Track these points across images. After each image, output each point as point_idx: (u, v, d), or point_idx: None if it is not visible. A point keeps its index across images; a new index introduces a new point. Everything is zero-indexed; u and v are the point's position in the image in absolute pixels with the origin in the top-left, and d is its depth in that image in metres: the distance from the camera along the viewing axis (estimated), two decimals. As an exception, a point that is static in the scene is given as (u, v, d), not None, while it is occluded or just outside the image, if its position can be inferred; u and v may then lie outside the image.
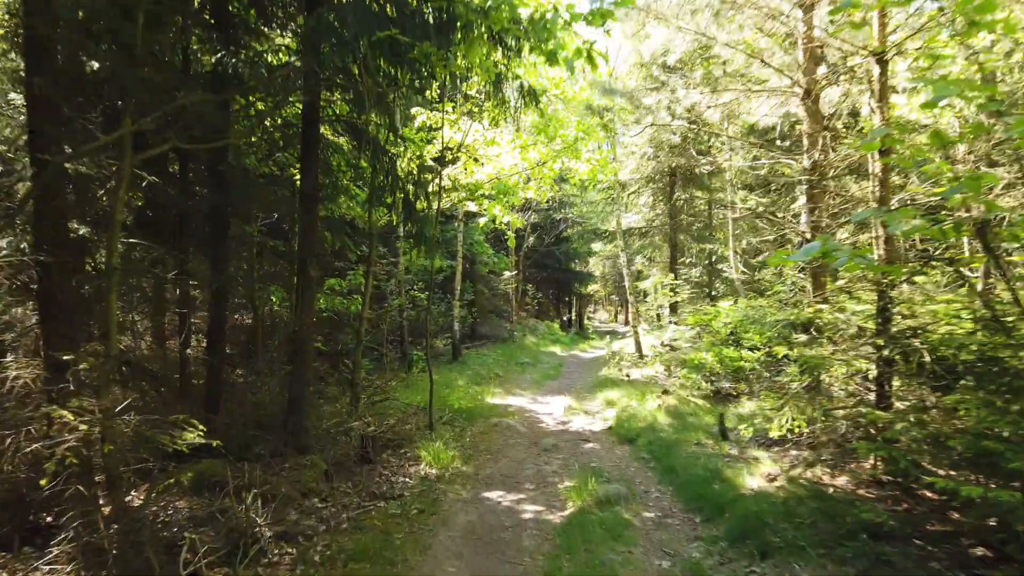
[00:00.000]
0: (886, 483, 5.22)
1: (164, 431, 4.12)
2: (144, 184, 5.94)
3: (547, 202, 29.58)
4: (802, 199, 9.84)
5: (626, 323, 57.43)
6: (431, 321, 15.77)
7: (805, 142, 7.68)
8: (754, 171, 12.68)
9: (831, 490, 5.18)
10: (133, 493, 5.13)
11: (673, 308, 16.41)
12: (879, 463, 5.40)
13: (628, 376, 12.66)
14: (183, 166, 7.09)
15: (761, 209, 16.42)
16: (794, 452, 6.37)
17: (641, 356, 14.10)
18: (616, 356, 13.87)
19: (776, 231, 12.62)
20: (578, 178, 11.00)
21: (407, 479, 6.65)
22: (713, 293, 16.82)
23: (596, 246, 40.05)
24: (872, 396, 5.72)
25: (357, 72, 5.78)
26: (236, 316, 12.65)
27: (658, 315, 25.63)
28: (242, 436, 6.31)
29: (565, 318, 35.15)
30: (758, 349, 9.59)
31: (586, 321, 43.55)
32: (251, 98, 6.10)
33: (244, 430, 6.38)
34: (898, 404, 5.54)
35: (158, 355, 8.12)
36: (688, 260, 17.44)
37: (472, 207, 11.54)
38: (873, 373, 5.39)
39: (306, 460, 6.05)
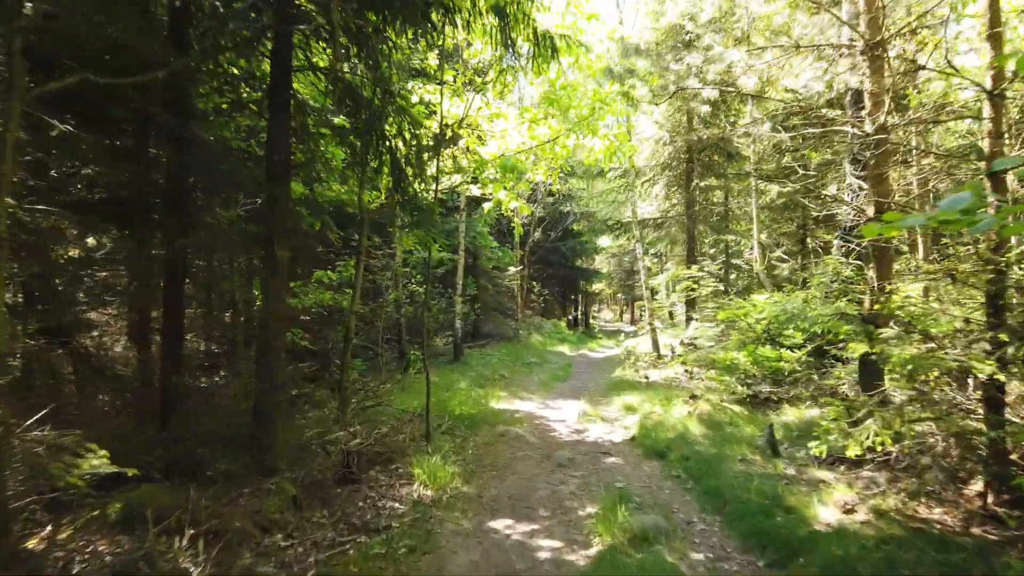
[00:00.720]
0: (1003, 518, 4.08)
1: (56, 457, 3.02)
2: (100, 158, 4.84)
3: (553, 195, 28.47)
4: (849, 177, 8.69)
5: (632, 322, 56.15)
6: (429, 318, 14.63)
7: (867, 103, 6.53)
8: (791, 149, 11.53)
9: (936, 528, 4.04)
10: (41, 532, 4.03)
11: (690, 304, 15.26)
12: (990, 492, 4.26)
13: (647, 378, 11.53)
14: (140, 133, 5.98)
15: (793, 190, 15.27)
16: (868, 473, 5.22)
17: (659, 356, 12.96)
18: (631, 356, 12.74)
19: (822, 209, 11.48)
20: (593, 157, 9.87)
21: (397, 504, 5.53)
22: (730, 287, 15.67)
23: (603, 241, 38.97)
24: (972, 404, 4.58)
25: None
26: (227, 312, 11.59)
27: (671, 313, 24.47)
28: (197, 454, 5.21)
29: (571, 316, 34.01)
30: (799, 347, 8.45)
31: (591, 320, 42.41)
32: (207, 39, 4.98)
33: (198, 447, 5.27)
34: (1011, 416, 4.40)
35: (140, 358, 7.00)
36: (710, 252, 16.29)
37: (475, 191, 10.41)
38: (983, 375, 4.24)
39: (271, 483, 4.93)
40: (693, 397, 8.80)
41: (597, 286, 44.62)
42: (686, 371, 11.77)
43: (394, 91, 5.24)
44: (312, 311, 12.34)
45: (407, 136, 5.76)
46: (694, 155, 15.12)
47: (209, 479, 4.81)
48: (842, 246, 9.42)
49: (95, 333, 7.52)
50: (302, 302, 11.16)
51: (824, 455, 4.90)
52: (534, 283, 27.02)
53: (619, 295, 57.30)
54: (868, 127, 6.50)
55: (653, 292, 30.78)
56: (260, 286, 5.45)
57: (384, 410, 9.14)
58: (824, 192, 13.34)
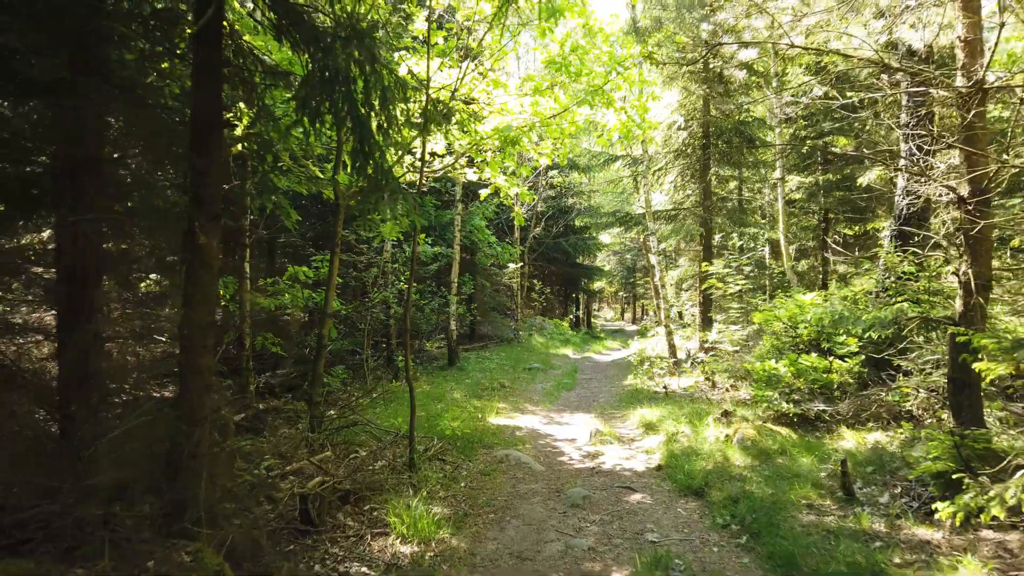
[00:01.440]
0: None
1: None
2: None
3: (555, 188, 27.15)
4: (906, 154, 7.38)
5: (633, 321, 54.85)
6: (421, 319, 13.31)
7: (959, 56, 5.21)
8: (813, 136, 10.28)
9: None
10: None
11: (706, 303, 13.95)
12: None
13: (665, 388, 10.21)
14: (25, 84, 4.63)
15: (813, 181, 13.95)
16: (992, 535, 3.91)
17: (677, 362, 11.66)
18: (644, 361, 11.44)
19: (852, 200, 10.21)
20: (605, 137, 8.58)
21: (366, 568, 4.23)
22: (753, 286, 14.38)
23: (605, 238, 37.63)
24: None
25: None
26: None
27: (679, 313, 23.14)
28: (97, 514, 3.90)
29: (573, 316, 32.70)
30: (852, 356, 7.14)
31: (593, 320, 41.12)
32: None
33: (103, 502, 3.95)
34: None
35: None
36: (727, 247, 14.99)
37: (471, 175, 9.09)
38: None
39: (187, 553, 3.62)
40: (726, 414, 7.49)
41: (598, 284, 43.33)
42: (706, 379, 10.47)
43: (360, 27, 3.92)
44: (287, 312, 11.05)
45: (377, 98, 4.44)
46: (711, 141, 13.81)
47: (98, 550, 3.51)
48: (897, 237, 8.12)
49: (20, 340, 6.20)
50: (277, 302, 9.87)
51: (961, 521, 3.58)
52: (535, 281, 25.72)
53: (620, 293, 56.07)
54: (960, 81, 5.17)
55: (656, 290, 29.54)
56: (180, 285, 4.12)
57: (363, 429, 7.84)
58: (859, 179, 12.02)
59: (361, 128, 3.68)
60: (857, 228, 18.11)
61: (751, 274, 13.61)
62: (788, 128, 13.24)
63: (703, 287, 11.69)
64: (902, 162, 8.06)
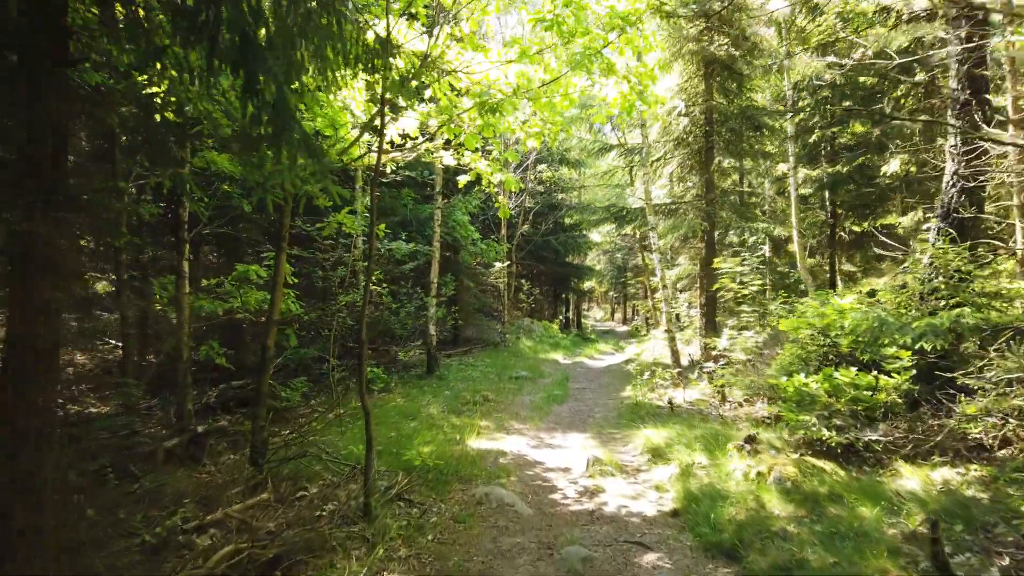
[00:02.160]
0: None
1: None
2: None
3: (544, 183, 25.93)
4: (954, 135, 6.21)
5: (624, 322, 53.76)
6: (395, 323, 12.01)
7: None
8: (826, 125, 9.15)
9: None
10: None
11: (710, 304, 12.77)
12: None
13: (670, 403, 8.99)
14: None
15: (823, 172, 12.81)
16: None
17: (681, 372, 10.45)
18: (644, 370, 10.21)
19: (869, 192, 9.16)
20: (605, 112, 7.35)
21: None
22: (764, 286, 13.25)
23: (596, 237, 36.47)
24: None
25: None
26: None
27: (676, 316, 22.01)
28: None
29: (563, 317, 31.50)
30: (901, 371, 5.96)
31: (583, 320, 39.97)
32: None
33: None
34: None
35: None
36: (738, 242, 13.83)
37: (448, 159, 7.81)
38: None
39: None
40: (751, 441, 6.27)
41: (588, 284, 42.19)
42: (716, 393, 9.27)
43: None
44: (241, 316, 9.71)
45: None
46: (715, 128, 12.63)
47: None
48: (943, 231, 6.95)
49: None
50: (225, 305, 8.56)
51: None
52: (523, 281, 24.47)
53: (611, 293, 54.97)
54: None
55: (654, 291, 28.29)
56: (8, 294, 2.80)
57: (316, 460, 6.55)
58: (882, 168, 10.88)
59: (248, 51, 2.40)
60: (866, 224, 17.07)
61: (760, 272, 12.45)
62: (795, 117, 12.11)
63: (711, 287, 10.48)
64: (950, 143, 6.91)
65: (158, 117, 3.63)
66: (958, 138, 6.69)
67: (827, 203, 15.79)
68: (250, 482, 5.94)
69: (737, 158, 13.14)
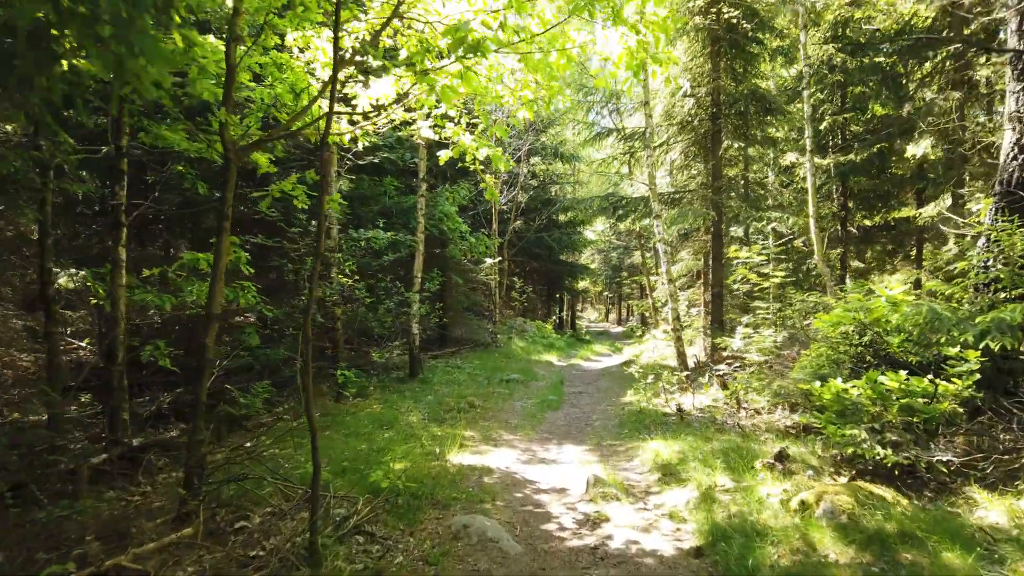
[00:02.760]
0: None
1: None
2: None
3: (537, 176, 24.92)
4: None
5: (619, 322, 52.73)
6: (373, 321, 10.94)
7: None
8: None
9: None
10: None
11: (717, 302, 11.79)
12: None
13: (679, 409, 7.97)
14: None
15: (837, 161, 11.85)
16: None
17: (690, 376, 9.43)
18: (647, 373, 9.17)
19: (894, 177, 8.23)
20: (609, 76, 6.40)
21: None
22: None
23: (591, 235, 35.45)
24: None
25: None
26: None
27: (678, 314, 21.05)
28: None
29: (557, 317, 30.49)
30: (962, 376, 4.96)
31: (577, 321, 38.98)
32: None
33: None
34: None
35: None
36: (744, 233, 12.87)
37: (426, 131, 6.77)
38: None
39: None
40: (782, 458, 5.27)
41: (583, 284, 41.20)
42: (729, 398, 8.27)
43: None
44: (188, 313, 8.70)
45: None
46: (722, 110, 11.65)
47: None
48: (1004, 211, 5.97)
49: None
50: (172, 300, 7.51)
51: None
52: (515, 279, 23.43)
53: (605, 294, 53.97)
54: None
55: (651, 289, 27.29)
56: None
57: (266, 480, 5.51)
58: (908, 152, 9.91)
59: None
60: (878, 218, 16.16)
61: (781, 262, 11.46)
62: (812, 94, 11.13)
63: (719, 282, 9.47)
64: (1010, 108, 5.93)
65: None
66: (1021, 102, 5.71)
67: (836, 195, 14.88)
68: (182, 509, 4.89)
69: (747, 143, 12.17)
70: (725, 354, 9.04)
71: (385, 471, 5.88)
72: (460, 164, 7.16)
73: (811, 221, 10.00)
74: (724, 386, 8.59)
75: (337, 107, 7.20)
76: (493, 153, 6.86)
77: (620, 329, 43.24)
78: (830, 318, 5.51)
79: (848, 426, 4.85)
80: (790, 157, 14.48)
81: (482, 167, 7.37)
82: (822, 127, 14.68)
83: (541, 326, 22.43)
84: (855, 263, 16.32)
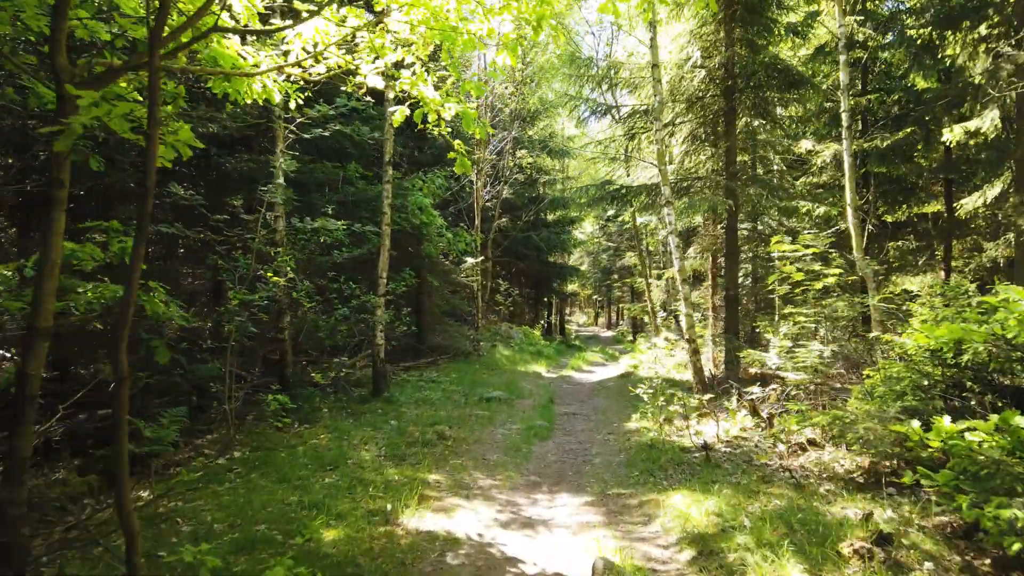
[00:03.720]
0: None
1: None
2: None
3: (523, 169, 23.24)
4: None
5: (608, 327, 51.11)
6: (323, 328, 9.14)
7: None
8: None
9: None
10: None
11: (731, 306, 10.13)
12: None
13: (704, 446, 6.25)
14: None
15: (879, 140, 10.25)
16: None
17: (715, 398, 7.70)
18: (658, 393, 7.43)
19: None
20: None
21: None
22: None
23: (581, 235, 33.82)
24: None
25: None
26: None
27: (676, 318, 19.37)
28: None
29: (545, 322, 28.80)
30: None
31: (566, 325, 37.30)
32: None
33: None
34: None
35: None
36: (759, 229, 11.26)
37: (373, 78, 5.02)
38: None
39: None
40: (885, 541, 3.58)
41: (572, 287, 39.57)
42: (766, 427, 6.60)
43: None
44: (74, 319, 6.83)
45: None
46: (737, 84, 10.03)
47: None
48: None
49: None
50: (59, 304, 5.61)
51: None
52: (500, 281, 21.70)
53: (595, 297, 52.34)
54: None
55: (641, 294, 25.63)
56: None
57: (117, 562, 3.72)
58: (950, 134, 8.30)
59: None
60: (900, 213, 14.64)
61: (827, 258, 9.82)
62: (850, 54, 9.52)
63: (771, 281, 7.74)
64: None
65: None
66: None
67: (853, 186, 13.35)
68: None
69: (767, 120, 10.56)
70: (753, 371, 7.37)
71: (303, 550, 4.11)
72: (422, 127, 5.44)
73: (849, 211, 8.38)
74: (755, 411, 6.91)
75: (266, 53, 5.53)
76: (463, 111, 5.15)
77: (610, 333, 41.69)
78: (944, 332, 3.84)
79: (996, 502, 3.16)
80: (805, 144, 12.89)
81: (449, 129, 5.63)
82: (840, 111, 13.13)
83: (528, 332, 20.70)
84: (873, 265, 14.81)
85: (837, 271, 6.32)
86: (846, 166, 8.52)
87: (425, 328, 14.97)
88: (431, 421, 8.08)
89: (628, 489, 5.63)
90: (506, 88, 17.92)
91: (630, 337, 33.55)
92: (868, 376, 5.63)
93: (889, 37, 12.12)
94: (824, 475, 5.29)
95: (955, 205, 10.62)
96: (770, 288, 10.44)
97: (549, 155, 23.74)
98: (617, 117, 11.15)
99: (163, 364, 6.67)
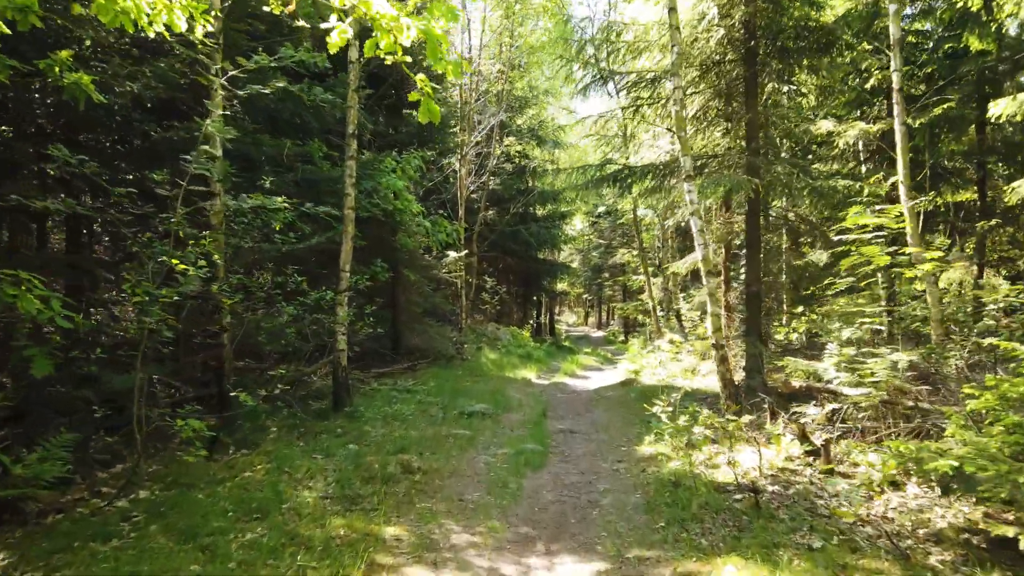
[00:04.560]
0: None
1: None
2: None
3: (511, 158, 21.72)
4: None
5: (598, 326, 49.70)
6: (261, 332, 7.57)
7: None
8: None
9: None
10: None
11: (754, 304, 8.71)
12: None
13: (752, 488, 4.79)
14: None
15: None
16: None
17: (756, 421, 6.21)
18: (679, 410, 5.93)
19: None
20: None
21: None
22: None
23: (571, 231, 32.40)
24: None
25: None
26: None
27: (678, 315, 17.96)
28: None
29: (535, 322, 27.31)
30: None
31: (556, 325, 35.85)
32: None
33: None
34: None
35: None
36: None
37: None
38: None
39: None
40: None
41: (562, 286, 38.14)
42: (826, 458, 5.16)
43: None
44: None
45: None
46: (760, 45, 8.61)
47: None
48: None
49: None
50: None
51: None
52: (486, 278, 20.18)
53: (585, 296, 50.91)
54: None
55: (639, 290, 24.19)
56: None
57: None
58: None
59: None
60: (926, 203, 13.33)
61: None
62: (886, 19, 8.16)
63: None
64: None
65: None
66: None
67: (884, 171, 11.98)
68: None
69: (793, 88, 9.15)
70: (797, 383, 5.92)
71: None
72: (393, 99, 3.93)
73: (902, 192, 6.98)
74: (804, 436, 5.46)
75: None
76: (427, 31, 3.64)
77: (600, 333, 40.38)
78: None
79: None
80: (824, 124, 11.51)
81: (409, 59, 4.09)
82: (868, 86, 11.80)
83: (517, 333, 19.19)
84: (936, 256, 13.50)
85: (937, 254, 4.86)
86: (898, 137, 7.11)
87: (402, 329, 13.42)
88: (398, 446, 6.55)
89: (654, 551, 4.15)
90: (494, 65, 16.42)
91: (621, 337, 32.19)
92: (969, 395, 4.20)
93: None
94: (925, 534, 3.85)
95: (1005, 189, 9.29)
96: (789, 283, 9.04)
97: (539, 143, 22.27)
98: (617, 87, 9.69)
99: (39, 377, 5.08)
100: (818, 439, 5.44)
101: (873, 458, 4.94)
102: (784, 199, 9.96)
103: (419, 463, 5.89)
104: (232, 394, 7.61)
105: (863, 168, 12.71)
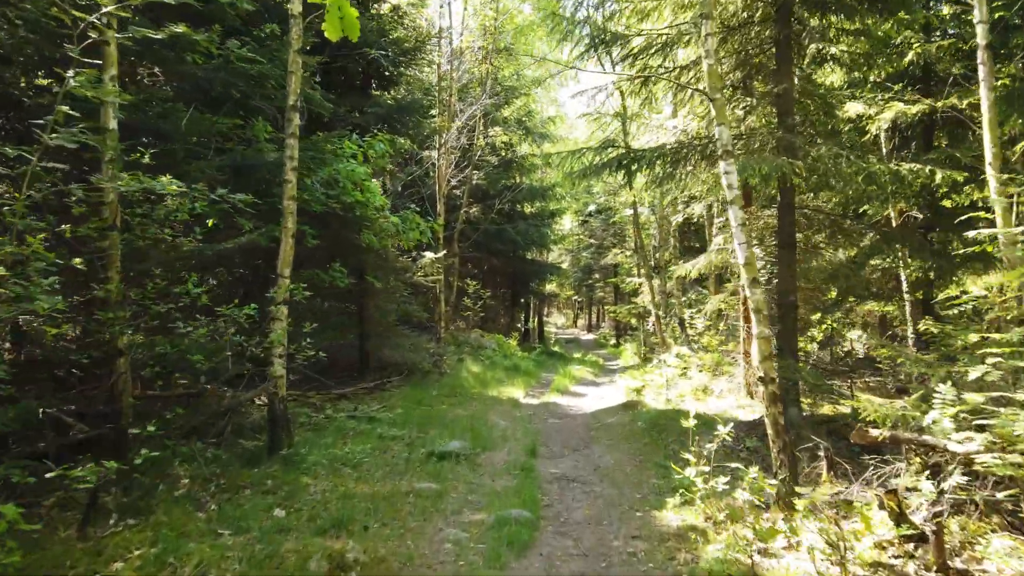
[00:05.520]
0: None
1: None
2: None
3: (497, 150, 20.10)
4: None
5: (588, 329, 48.09)
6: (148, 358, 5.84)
7: None
8: None
9: None
10: None
11: (789, 316, 7.15)
12: None
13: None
14: None
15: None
16: None
17: (838, 493, 4.60)
18: (711, 471, 4.36)
19: None
20: None
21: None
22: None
23: (562, 229, 30.81)
24: None
25: None
26: None
27: (682, 323, 16.37)
28: None
29: (523, 328, 25.67)
30: None
31: (545, 329, 34.21)
32: None
33: None
34: None
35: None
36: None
37: None
38: None
39: None
40: None
41: (551, 287, 36.54)
42: (937, 549, 3.57)
43: None
44: None
45: None
46: (795, 3, 7.05)
47: None
48: None
49: None
50: None
51: None
52: (469, 281, 18.50)
53: (574, 297, 49.31)
54: None
55: (634, 293, 22.63)
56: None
57: None
58: None
59: None
60: (963, 196, 11.84)
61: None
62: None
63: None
64: None
65: None
66: None
67: (995, 138, 10.47)
68: None
69: (836, 49, 7.57)
70: (875, 433, 4.33)
71: None
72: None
73: (991, 176, 5.44)
74: (900, 513, 3.86)
75: None
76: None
77: (591, 336, 38.93)
78: None
79: None
80: (854, 108, 9.98)
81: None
82: (906, 61, 10.32)
83: (503, 341, 17.52)
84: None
85: None
86: (985, 106, 5.58)
87: (370, 341, 11.74)
88: (336, 516, 4.85)
89: None
90: (475, 43, 14.78)
91: (613, 341, 30.68)
92: None
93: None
94: None
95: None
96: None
97: (527, 134, 20.66)
98: (618, 57, 8.06)
99: None
100: (918, 517, 3.85)
101: (1000, 546, 3.38)
102: (821, 188, 8.39)
103: (358, 550, 4.19)
104: (132, 431, 5.92)
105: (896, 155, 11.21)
